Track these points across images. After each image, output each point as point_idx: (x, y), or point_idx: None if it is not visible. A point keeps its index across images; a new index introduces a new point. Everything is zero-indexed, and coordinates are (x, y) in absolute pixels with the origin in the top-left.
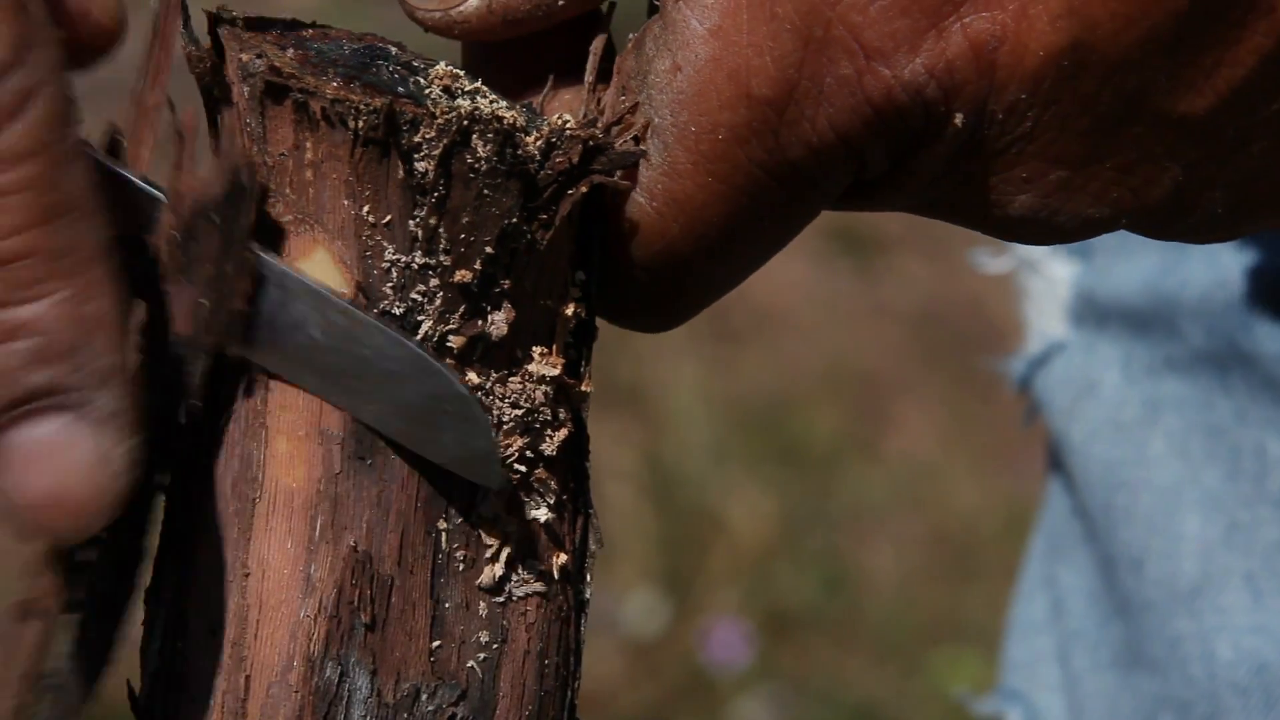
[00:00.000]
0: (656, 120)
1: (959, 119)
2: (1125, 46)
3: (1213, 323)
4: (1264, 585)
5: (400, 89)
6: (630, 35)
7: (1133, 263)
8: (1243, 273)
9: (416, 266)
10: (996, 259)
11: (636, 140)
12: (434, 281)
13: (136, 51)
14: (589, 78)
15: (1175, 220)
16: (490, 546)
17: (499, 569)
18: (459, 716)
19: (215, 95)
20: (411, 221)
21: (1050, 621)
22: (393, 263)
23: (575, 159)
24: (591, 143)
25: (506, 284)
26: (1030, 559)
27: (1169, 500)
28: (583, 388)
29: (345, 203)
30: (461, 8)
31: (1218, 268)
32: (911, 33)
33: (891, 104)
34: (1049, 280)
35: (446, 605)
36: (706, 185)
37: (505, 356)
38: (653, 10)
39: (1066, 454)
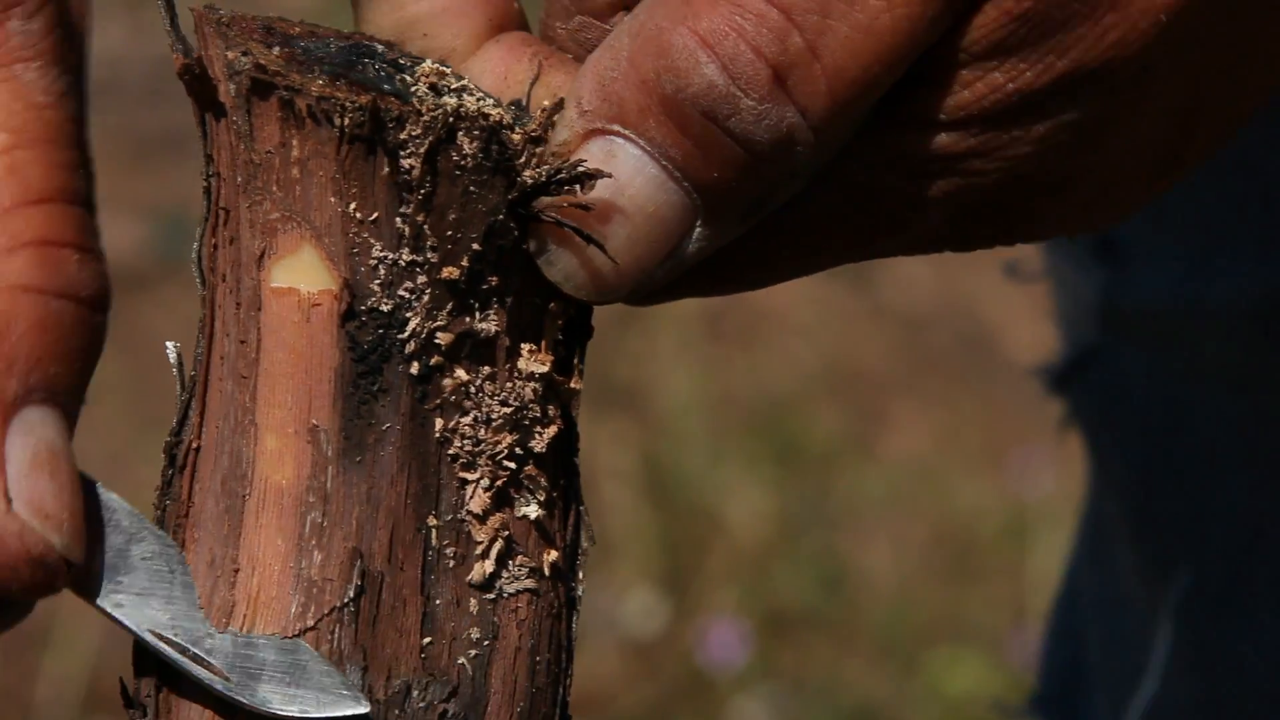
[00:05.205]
0: None
1: None
2: None
3: (1238, 329)
4: None
5: (386, 86)
6: None
7: (1158, 270)
8: (1266, 284)
9: (404, 263)
10: (1026, 267)
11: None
12: (421, 278)
13: (135, 52)
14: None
15: None
16: (480, 543)
17: (489, 566)
18: (450, 713)
19: (202, 94)
20: (398, 218)
21: (1087, 624)
22: (380, 260)
23: (543, 179)
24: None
25: (494, 281)
26: (1070, 564)
27: (1197, 507)
28: (572, 384)
29: (332, 200)
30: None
31: (1243, 275)
32: None
33: None
34: (1076, 287)
35: (437, 602)
36: None
37: (493, 353)
38: None
39: (1098, 460)
